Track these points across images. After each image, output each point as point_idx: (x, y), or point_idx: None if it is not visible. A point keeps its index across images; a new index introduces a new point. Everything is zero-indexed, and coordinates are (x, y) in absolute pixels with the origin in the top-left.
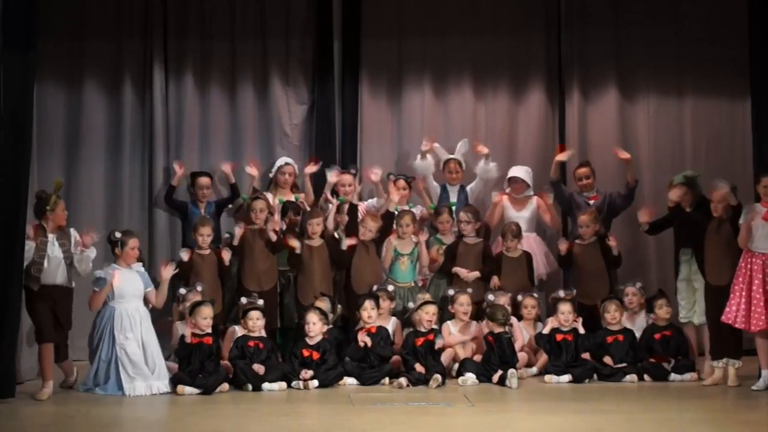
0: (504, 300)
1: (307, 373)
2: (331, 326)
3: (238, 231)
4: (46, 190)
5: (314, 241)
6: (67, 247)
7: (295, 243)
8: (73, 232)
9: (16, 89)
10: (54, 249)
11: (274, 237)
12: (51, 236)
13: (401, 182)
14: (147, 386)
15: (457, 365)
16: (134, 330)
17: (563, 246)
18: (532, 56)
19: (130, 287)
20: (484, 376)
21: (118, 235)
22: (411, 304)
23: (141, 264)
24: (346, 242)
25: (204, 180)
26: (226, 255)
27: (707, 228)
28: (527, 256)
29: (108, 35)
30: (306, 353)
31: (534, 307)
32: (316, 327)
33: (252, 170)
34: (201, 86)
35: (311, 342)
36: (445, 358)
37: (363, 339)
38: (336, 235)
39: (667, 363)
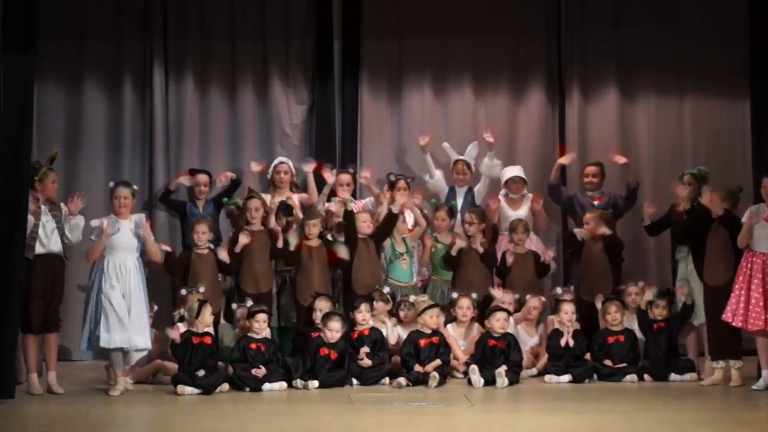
0: (508, 299)
1: (309, 383)
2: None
3: (243, 239)
4: (41, 161)
5: (312, 241)
6: (59, 218)
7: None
8: (63, 206)
9: (16, 89)
10: (47, 219)
11: (281, 244)
12: (43, 207)
13: (402, 182)
14: (125, 339)
15: (461, 368)
16: (121, 281)
17: (579, 231)
18: (532, 56)
19: (122, 238)
20: (484, 378)
21: (111, 184)
22: (411, 298)
23: (143, 215)
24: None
25: (202, 177)
26: (223, 254)
27: (710, 228)
28: (534, 253)
29: (108, 35)
30: (324, 352)
31: (537, 309)
32: (338, 335)
33: (256, 167)
34: (201, 86)
35: (330, 341)
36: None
37: (364, 362)
38: (330, 237)
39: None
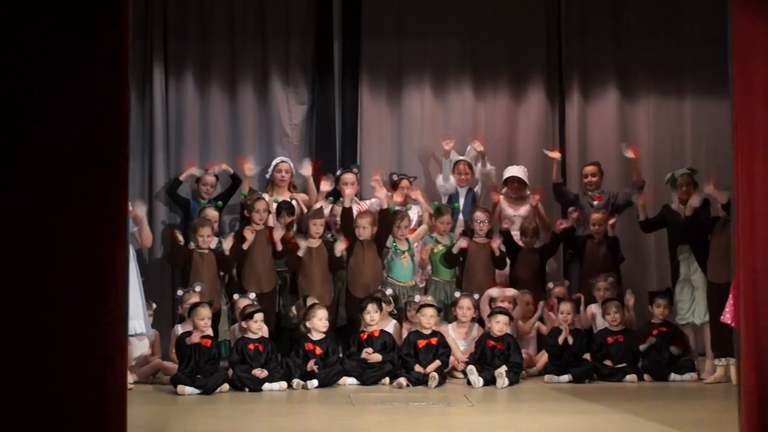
0: (506, 297)
1: (312, 364)
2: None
3: (248, 234)
4: None
5: (314, 242)
6: None
7: (301, 243)
8: None
9: None
10: None
11: (279, 246)
12: None
13: (405, 182)
14: None
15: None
16: None
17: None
18: (532, 56)
19: None
20: (483, 378)
21: None
22: (417, 298)
23: (129, 202)
24: (340, 247)
25: (209, 178)
26: (227, 243)
27: (714, 225)
28: (538, 251)
29: None
30: (309, 347)
31: (529, 303)
32: (321, 323)
33: (247, 167)
34: (201, 86)
35: (314, 337)
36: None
37: (371, 358)
38: (330, 237)
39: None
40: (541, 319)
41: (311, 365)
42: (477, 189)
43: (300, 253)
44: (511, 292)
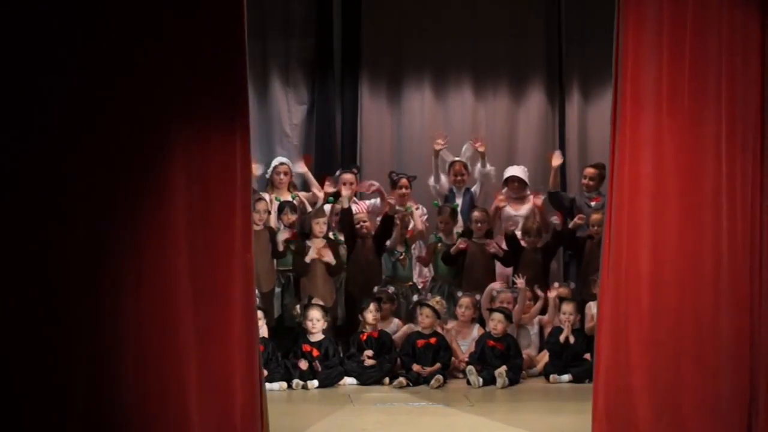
0: (507, 298)
1: (304, 364)
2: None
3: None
4: None
5: (318, 241)
6: None
7: (329, 257)
8: None
9: None
10: None
11: (281, 247)
12: None
13: (404, 181)
14: None
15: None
16: None
17: (558, 219)
18: (532, 56)
19: None
20: (483, 378)
21: None
22: (415, 298)
23: None
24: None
25: None
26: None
27: None
28: (542, 250)
29: None
30: (306, 348)
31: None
32: (318, 324)
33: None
34: None
35: (312, 339)
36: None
37: (368, 362)
38: (331, 236)
39: None
40: (542, 313)
41: (304, 365)
42: (474, 189)
43: (307, 259)
44: (510, 293)
